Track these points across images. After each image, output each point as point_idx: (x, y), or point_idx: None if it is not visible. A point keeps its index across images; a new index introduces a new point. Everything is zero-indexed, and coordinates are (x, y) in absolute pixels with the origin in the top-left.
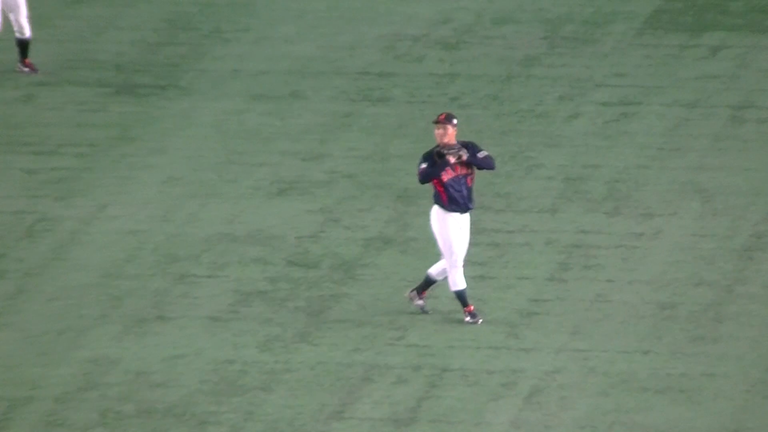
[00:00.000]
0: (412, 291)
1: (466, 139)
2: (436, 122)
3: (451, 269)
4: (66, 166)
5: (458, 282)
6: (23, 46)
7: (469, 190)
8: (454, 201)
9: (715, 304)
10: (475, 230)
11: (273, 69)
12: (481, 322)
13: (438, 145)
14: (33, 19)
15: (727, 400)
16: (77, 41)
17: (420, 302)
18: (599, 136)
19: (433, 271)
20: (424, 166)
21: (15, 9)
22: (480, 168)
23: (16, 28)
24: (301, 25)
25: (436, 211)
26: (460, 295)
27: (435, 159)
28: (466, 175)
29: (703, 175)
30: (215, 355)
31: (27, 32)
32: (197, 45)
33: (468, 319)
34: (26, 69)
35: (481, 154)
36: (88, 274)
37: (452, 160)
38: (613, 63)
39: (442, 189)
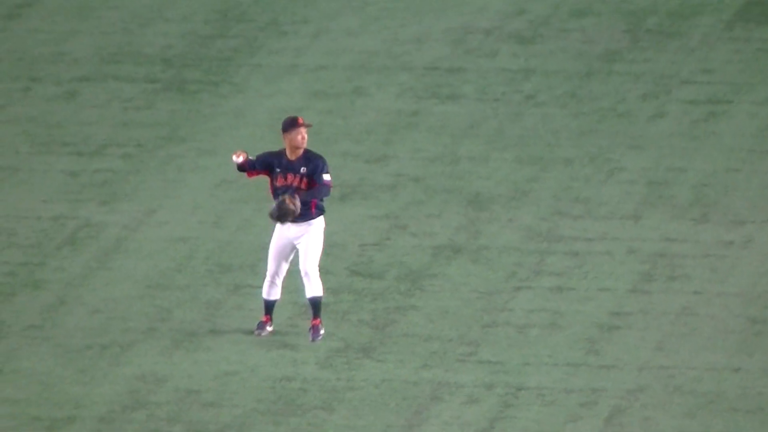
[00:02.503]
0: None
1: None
2: (302, 125)
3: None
4: (110, 167)
5: (263, 291)
6: None
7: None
8: None
9: None
10: (552, 238)
11: (333, 64)
12: (265, 334)
13: (283, 155)
14: (75, 10)
15: None
16: (122, 33)
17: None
18: (685, 137)
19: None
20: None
21: None
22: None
23: None
24: (363, 16)
25: None
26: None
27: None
28: (298, 188)
29: None
30: (272, 372)
31: None
32: (252, 38)
33: (258, 331)
34: None
35: (324, 178)
36: (135, 284)
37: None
38: (701, 58)
39: (272, 194)
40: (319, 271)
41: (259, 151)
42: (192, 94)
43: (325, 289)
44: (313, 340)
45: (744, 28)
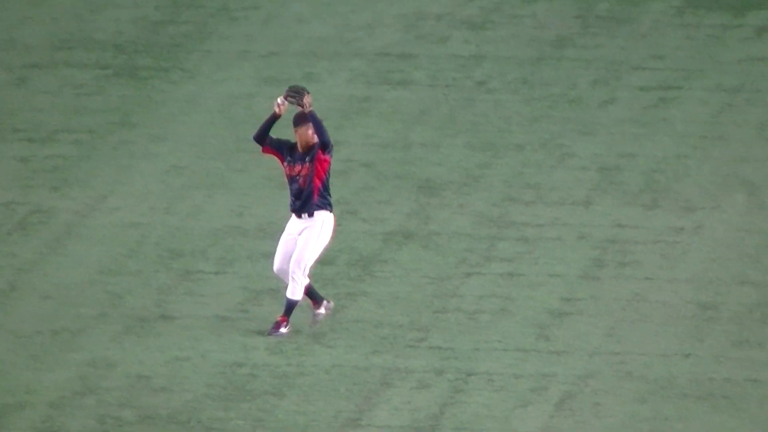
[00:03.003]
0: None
1: None
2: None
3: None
4: (61, 154)
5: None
6: None
7: (301, 191)
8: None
9: (761, 304)
10: (503, 224)
11: (284, 50)
12: (277, 335)
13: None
14: None
15: None
16: (73, 20)
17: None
18: (636, 123)
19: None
20: None
21: None
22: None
23: None
24: (314, 3)
25: None
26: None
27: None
28: (297, 176)
29: (748, 166)
30: (222, 358)
31: None
32: (202, 24)
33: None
34: None
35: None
36: (86, 270)
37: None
38: (651, 44)
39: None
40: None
41: (212, 138)
42: (143, 80)
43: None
44: (269, 334)
45: (694, 14)
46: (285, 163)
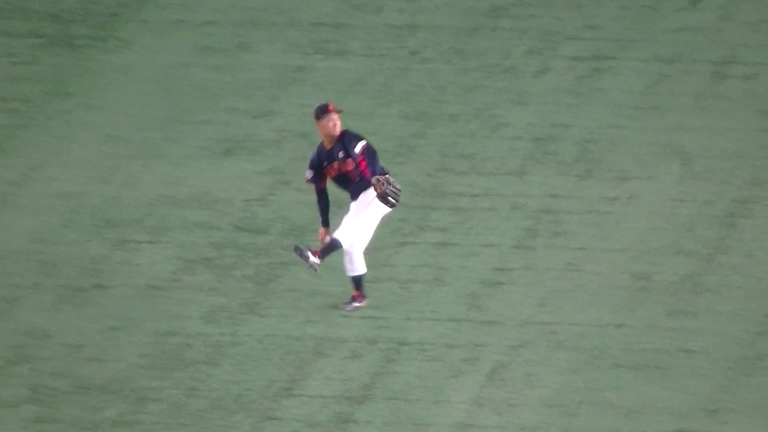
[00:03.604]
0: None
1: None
2: (331, 111)
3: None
4: None
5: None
6: None
7: (351, 182)
8: None
9: (694, 274)
10: (437, 194)
11: (220, 19)
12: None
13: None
14: None
15: (706, 378)
16: None
17: (316, 260)
18: (570, 93)
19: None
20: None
21: None
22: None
23: None
24: None
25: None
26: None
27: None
28: (342, 173)
29: (682, 136)
30: (156, 327)
31: None
32: None
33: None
34: None
35: (355, 151)
36: (20, 239)
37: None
38: (586, 14)
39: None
40: (208, 226)
41: (148, 108)
42: (79, 49)
43: (209, 244)
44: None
45: None
46: (324, 172)
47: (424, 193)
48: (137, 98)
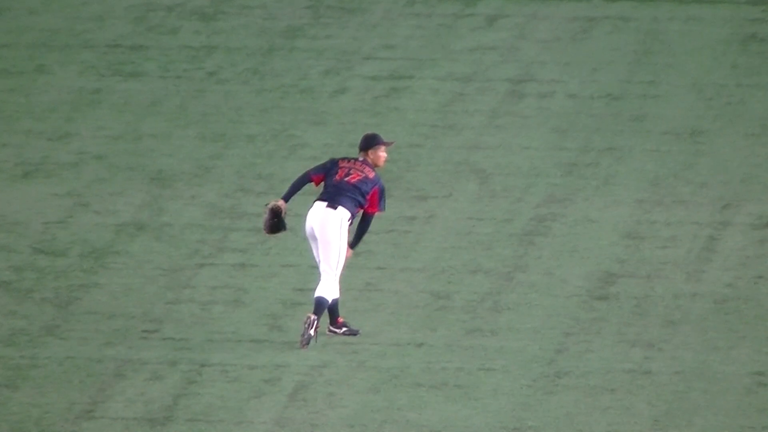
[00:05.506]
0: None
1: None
2: (385, 143)
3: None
4: None
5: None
6: None
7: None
8: None
9: (493, 293)
10: (235, 215)
11: (15, 42)
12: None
13: None
14: None
15: (507, 396)
16: None
17: (344, 330)
18: (368, 112)
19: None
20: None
21: None
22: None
23: None
24: None
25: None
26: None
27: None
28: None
29: (479, 154)
30: None
31: None
32: None
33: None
34: None
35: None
36: None
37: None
38: (383, 34)
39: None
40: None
41: None
42: None
43: (8, 267)
44: (328, 334)
45: (425, 3)
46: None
47: (223, 214)
48: None
